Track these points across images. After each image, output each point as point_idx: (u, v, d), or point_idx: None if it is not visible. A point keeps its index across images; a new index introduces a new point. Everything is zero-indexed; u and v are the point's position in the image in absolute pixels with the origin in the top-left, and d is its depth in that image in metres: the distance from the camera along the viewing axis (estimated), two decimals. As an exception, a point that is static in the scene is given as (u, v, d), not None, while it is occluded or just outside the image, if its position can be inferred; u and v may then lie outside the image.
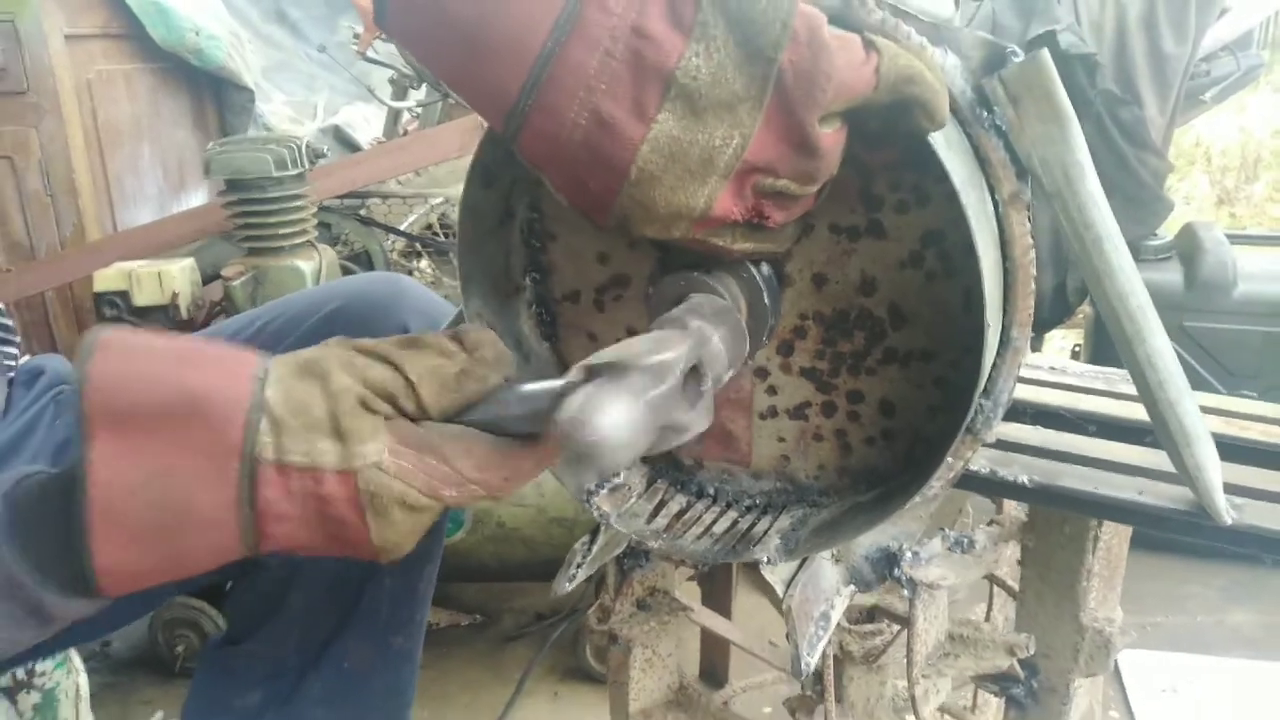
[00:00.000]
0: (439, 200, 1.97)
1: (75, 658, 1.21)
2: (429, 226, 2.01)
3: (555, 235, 0.81)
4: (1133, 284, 0.65)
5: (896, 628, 0.95)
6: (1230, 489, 0.71)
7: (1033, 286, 0.68)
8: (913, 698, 0.79)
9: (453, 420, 0.57)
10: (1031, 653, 0.83)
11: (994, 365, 0.67)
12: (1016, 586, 0.93)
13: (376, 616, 1.08)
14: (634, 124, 0.52)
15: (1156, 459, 0.77)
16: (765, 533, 0.76)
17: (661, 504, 0.82)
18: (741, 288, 0.68)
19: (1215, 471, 0.68)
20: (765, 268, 0.69)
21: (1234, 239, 1.94)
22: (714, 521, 0.79)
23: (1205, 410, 0.87)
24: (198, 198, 2.62)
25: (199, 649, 1.66)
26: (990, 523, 0.86)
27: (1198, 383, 1.87)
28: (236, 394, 0.53)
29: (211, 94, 2.72)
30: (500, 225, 0.80)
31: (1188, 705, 1.56)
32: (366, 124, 2.99)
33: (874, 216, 0.69)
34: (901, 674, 0.93)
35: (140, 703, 1.66)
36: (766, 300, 0.68)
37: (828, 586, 0.78)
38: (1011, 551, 0.91)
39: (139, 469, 0.51)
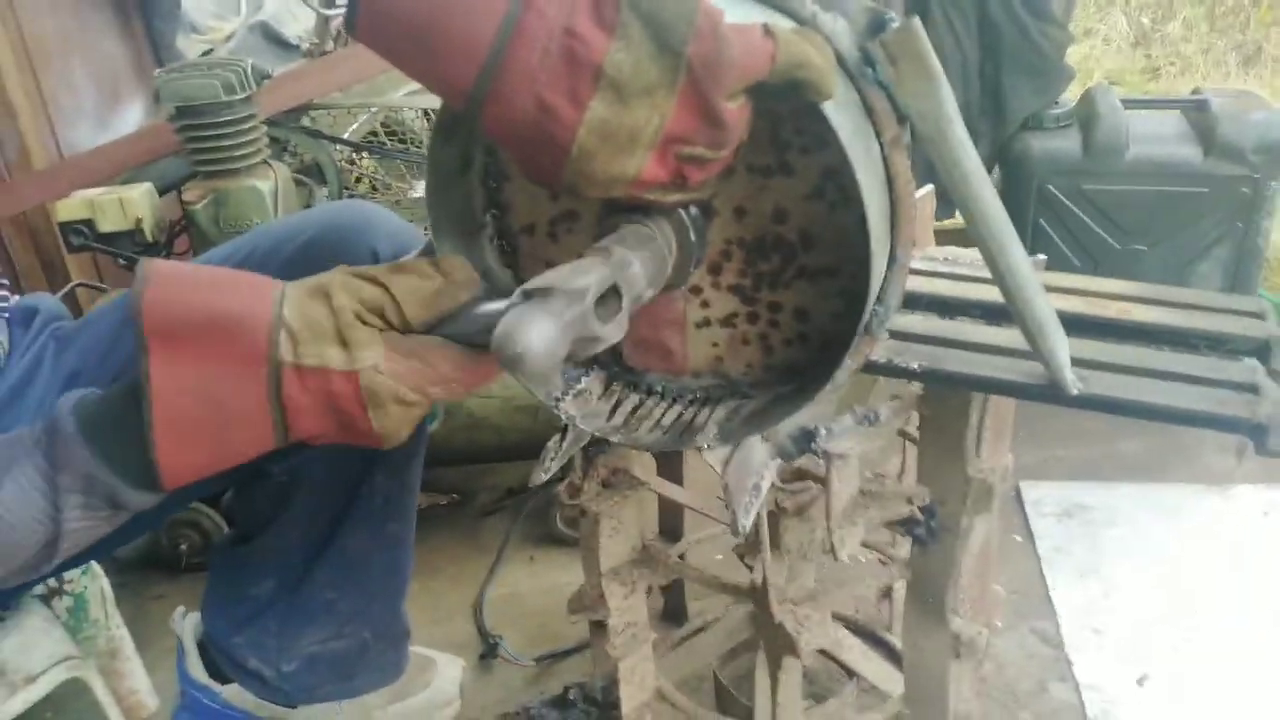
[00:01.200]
0: (379, 108, 2.03)
1: (96, 566, 1.35)
2: (373, 133, 2.07)
3: (509, 176, 0.93)
4: (994, 209, 0.80)
5: (820, 486, 1.13)
6: (1079, 363, 0.88)
7: (914, 213, 0.82)
8: (831, 544, 0.97)
9: (431, 332, 0.72)
10: (926, 502, 1.01)
11: (885, 278, 0.82)
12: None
13: (372, 507, 1.22)
14: (571, 110, 0.64)
15: (1011, 338, 0.93)
16: (705, 422, 0.92)
17: (618, 403, 0.97)
18: (672, 226, 0.82)
19: (1064, 352, 0.85)
20: (693, 208, 0.82)
21: (1129, 104, 2.08)
22: (663, 415, 0.94)
23: (1068, 291, 1.04)
24: (135, 111, 2.61)
25: (201, 547, 1.80)
26: (893, 398, 1.02)
27: (1094, 242, 2.05)
28: (261, 312, 0.67)
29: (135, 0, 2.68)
30: (461, 172, 0.91)
31: (1080, 525, 1.81)
32: (295, 19, 2.96)
33: (783, 158, 0.82)
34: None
35: (152, 598, 1.80)
36: (693, 236, 0.82)
37: (758, 462, 0.95)
38: (914, 417, 1.08)
39: (189, 375, 0.65)
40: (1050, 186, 2.00)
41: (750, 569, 1.28)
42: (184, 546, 1.78)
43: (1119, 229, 2.01)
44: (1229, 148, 1.92)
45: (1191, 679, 1.46)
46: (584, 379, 0.97)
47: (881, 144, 0.79)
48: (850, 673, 1.36)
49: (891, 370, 0.91)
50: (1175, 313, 0.99)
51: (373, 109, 2.06)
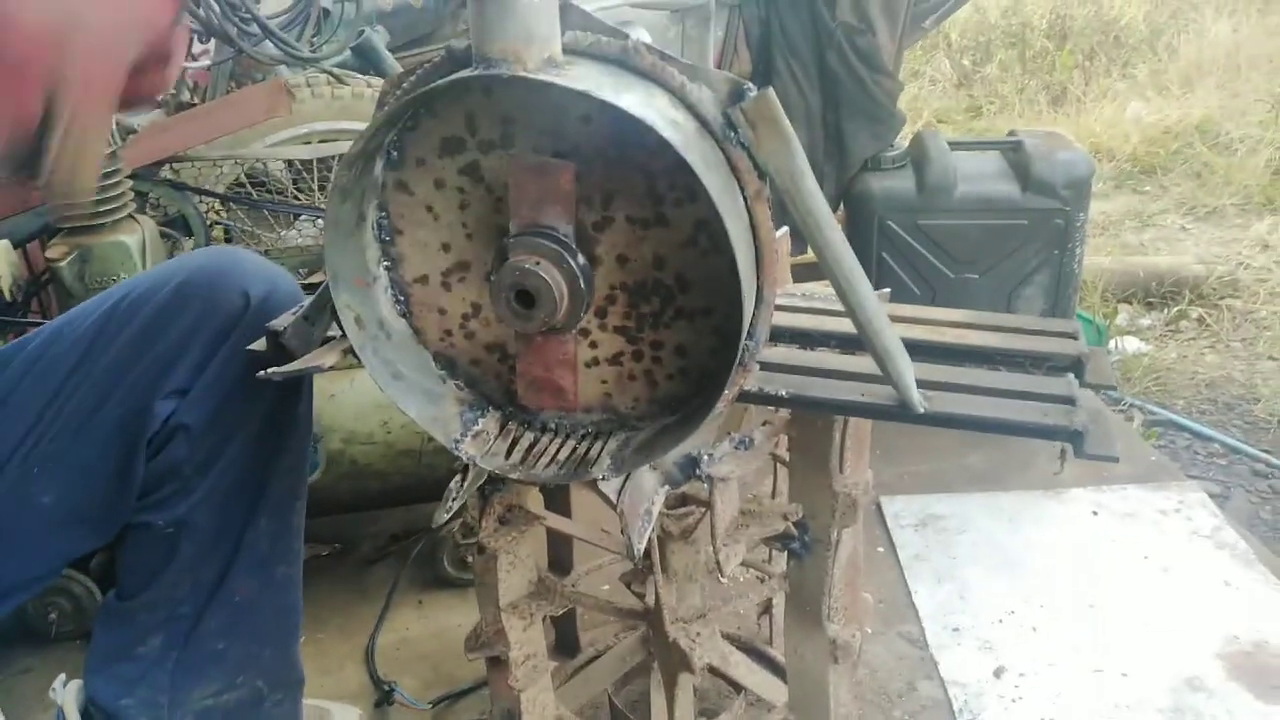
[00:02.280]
0: (242, 159, 2.03)
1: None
2: (239, 183, 2.06)
3: (401, 230, 0.99)
4: (843, 250, 0.90)
5: (703, 509, 1.21)
6: (924, 384, 0.99)
7: (775, 257, 0.92)
8: (718, 561, 1.05)
9: None
10: (800, 516, 1.11)
11: (753, 315, 0.91)
12: (790, 466, 1.21)
13: (258, 552, 1.22)
14: None
15: (866, 365, 1.04)
16: (599, 455, 0.99)
17: (515, 441, 1.02)
18: (563, 275, 0.89)
19: (910, 375, 0.96)
20: (580, 258, 0.90)
21: (954, 145, 2.28)
22: (558, 450, 1.01)
23: (911, 320, 1.16)
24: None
25: (72, 613, 1.74)
26: (765, 423, 1.12)
27: (931, 272, 2.24)
28: None
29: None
30: (356, 227, 0.96)
31: (935, 533, 1.96)
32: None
33: (659, 210, 0.91)
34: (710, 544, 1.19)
35: (19, 672, 1.71)
36: (582, 284, 0.90)
37: (648, 488, 1.02)
38: (783, 440, 1.18)
39: None
40: (890, 222, 2.18)
41: (639, 596, 1.35)
42: (53, 615, 1.72)
43: (952, 259, 2.20)
44: (1042, 184, 2.14)
45: (1040, 666, 1.61)
46: (480, 420, 1.03)
47: (745, 197, 0.89)
48: (737, 687, 1.44)
49: (762, 398, 1.00)
50: (1003, 336, 1.12)
51: (236, 160, 2.06)
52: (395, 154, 0.94)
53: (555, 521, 1.34)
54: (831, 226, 0.90)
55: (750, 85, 0.86)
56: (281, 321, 1.14)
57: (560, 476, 0.98)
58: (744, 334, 0.88)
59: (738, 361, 0.89)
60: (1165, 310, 3.41)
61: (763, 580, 1.46)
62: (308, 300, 1.11)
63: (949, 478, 2.11)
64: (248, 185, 2.07)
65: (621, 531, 0.97)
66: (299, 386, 1.21)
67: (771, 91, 0.84)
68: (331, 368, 1.06)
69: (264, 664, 1.27)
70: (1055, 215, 2.13)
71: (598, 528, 1.45)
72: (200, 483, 1.16)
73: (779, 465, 1.47)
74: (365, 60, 2.44)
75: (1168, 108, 5.01)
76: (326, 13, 2.42)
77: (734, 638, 1.53)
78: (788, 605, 1.21)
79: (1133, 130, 4.76)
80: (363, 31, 2.45)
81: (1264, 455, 2.49)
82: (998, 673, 1.60)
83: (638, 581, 1.36)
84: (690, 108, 0.87)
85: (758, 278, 0.90)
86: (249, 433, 1.17)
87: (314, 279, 2.13)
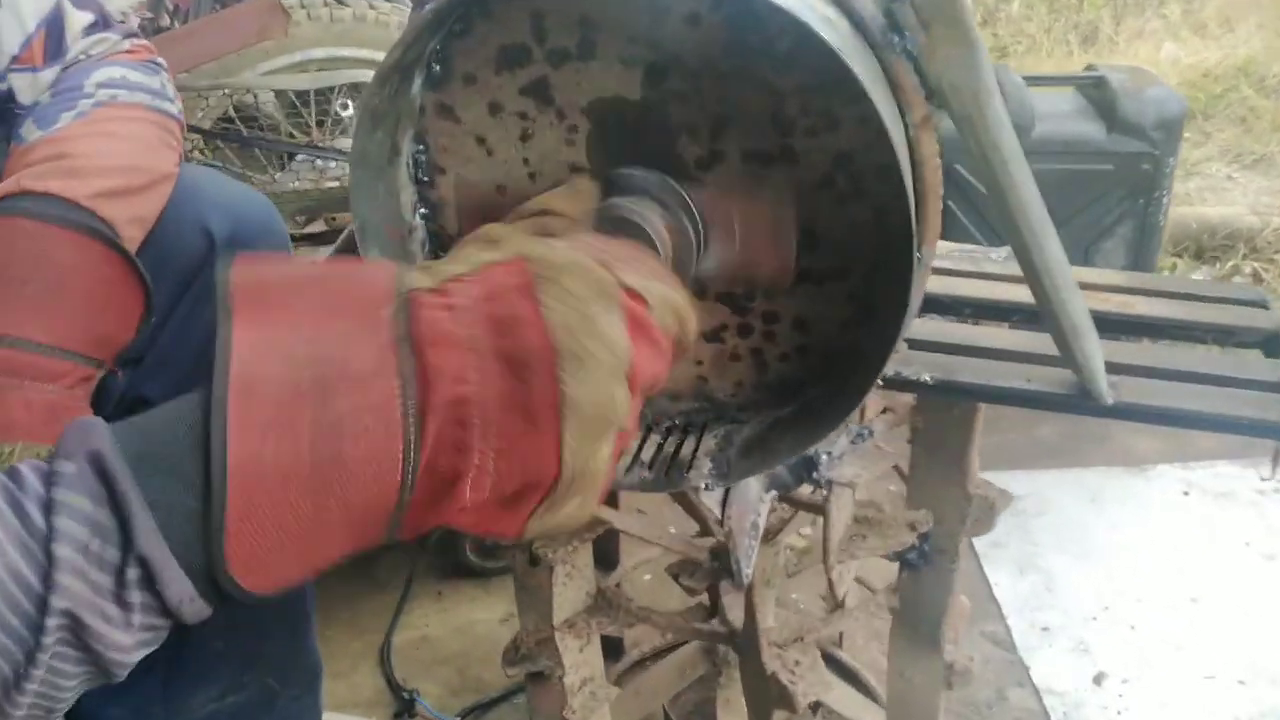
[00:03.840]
0: (231, 89, 1.79)
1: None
2: (227, 119, 1.83)
3: (444, 169, 0.77)
4: (1032, 198, 0.69)
5: (794, 508, 1.01)
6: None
7: (940, 205, 0.71)
8: (830, 582, 0.85)
9: None
10: (930, 527, 0.90)
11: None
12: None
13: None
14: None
15: (1031, 342, 0.84)
16: (694, 455, 0.78)
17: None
18: (668, 225, 0.68)
19: (1099, 359, 0.75)
20: (693, 206, 0.68)
21: (1029, 81, 2.05)
22: (640, 449, 0.80)
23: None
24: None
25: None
26: (884, 410, 0.91)
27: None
28: (378, 267, 0.51)
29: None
30: (389, 164, 0.75)
31: (1011, 515, 1.76)
32: (119, -6, 2.63)
33: (785, 141, 0.69)
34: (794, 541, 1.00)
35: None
36: (693, 236, 0.68)
37: (753, 497, 0.82)
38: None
39: (283, 338, 0.45)
40: (958, 166, 1.95)
41: (690, 592, 1.15)
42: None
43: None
44: (1130, 124, 1.92)
45: (1143, 671, 1.43)
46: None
47: (908, 124, 0.67)
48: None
49: (903, 384, 0.80)
50: (1177, 305, 0.92)
51: (224, 91, 1.82)
52: (438, 68, 0.72)
53: (608, 514, 1.13)
54: (1021, 166, 0.69)
55: (925, -29, 0.64)
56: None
57: (649, 484, 0.77)
58: (907, 315, 0.67)
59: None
60: (1217, 265, 3.21)
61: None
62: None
63: (1018, 452, 1.92)
64: (236, 120, 1.83)
65: (729, 552, 0.77)
66: None
67: (957, -21, 0.62)
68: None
69: (272, 658, 1.10)
70: (1143, 159, 1.91)
71: (644, 518, 1.25)
72: None
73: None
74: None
75: (1206, 49, 4.75)
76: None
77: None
78: (896, 623, 1.02)
79: (1170, 72, 4.50)
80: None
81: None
82: (1098, 679, 1.42)
83: (690, 576, 1.16)
84: (841, 2, 0.65)
85: (915, 234, 0.68)
86: None
87: (313, 228, 1.90)
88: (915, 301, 0.70)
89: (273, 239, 0.97)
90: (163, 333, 0.91)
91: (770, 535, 1.07)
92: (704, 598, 1.18)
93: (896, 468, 0.96)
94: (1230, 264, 3.23)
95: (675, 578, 1.22)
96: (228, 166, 1.86)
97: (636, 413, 0.51)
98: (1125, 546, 1.67)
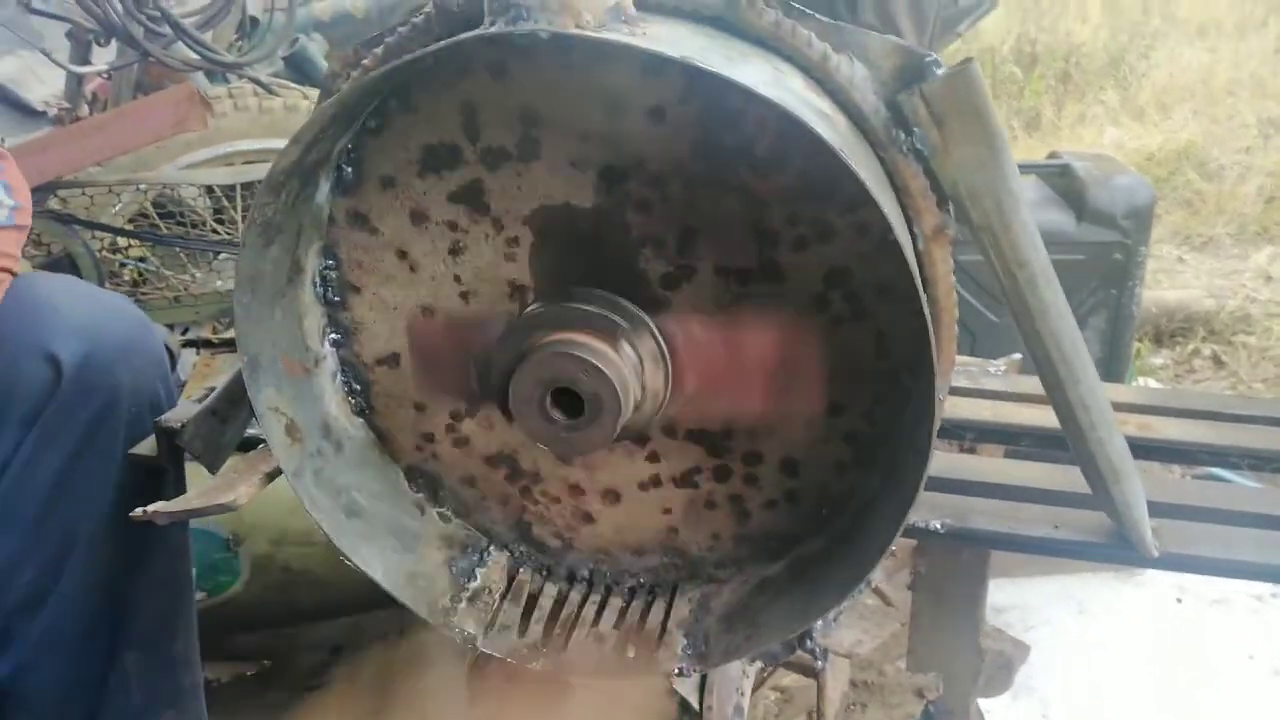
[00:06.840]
0: (147, 185, 1.65)
1: None
2: (143, 214, 1.69)
3: (359, 287, 0.64)
4: (1066, 323, 0.58)
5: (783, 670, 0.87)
6: (1138, 507, 0.67)
7: (955, 331, 0.60)
8: (827, 765, 0.72)
9: None
10: (940, 693, 0.77)
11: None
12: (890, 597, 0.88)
13: (129, 702, 0.93)
14: None
15: (1051, 476, 0.73)
16: (664, 625, 0.65)
17: (531, 601, 0.68)
18: (632, 365, 0.55)
19: (1141, 506, 0.64)
20: (659, 335, 0.56)
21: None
22: (598, 615, 0.67)
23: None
24: None
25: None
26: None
27: (970, 315, 1.93)
28: None
29: None
30: (289, 285, 0.62)
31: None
32: (40, 82, 2.50)
33: (768, 255, 0.58)
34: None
35: None
36: (664, 377, 0.56)
37: (735, 674, 0.69)
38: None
39: None
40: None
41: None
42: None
43: (996, 301, 1.90)
44: (1101, 214, 1.85)
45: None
46: (478, 569, 0.68)
47: (916, 235, 0.56)
48: None
49: (911, 533, 0.67)
50: (1202, 426, 0.81)
51: (140, 186, 1.68)
52: (349, 170, 0.60)
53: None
54: (1051, 287, 0.57)
55: (936, 58, 0.54)
56: (178, 415, 0.79)
57: (610, 664, 0.63)
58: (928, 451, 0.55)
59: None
60: (1177, 348, 3.18)
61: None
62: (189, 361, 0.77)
63: (996, 556, 1.79)
64: (154, 217, 1.69)
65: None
66: (166, 476, 0.84)
67: (976, 67, 0.52)
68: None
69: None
70: (1114, 249, 1.85)
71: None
72: (26, 627, 0.85)
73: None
74: (300, 72, 2.09)
75: (1147, 134, 4.84)
76: (255, 22, 2.07)
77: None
78: (898, 795, 0.87)
79: (1115, 156, 4.58)
80: (296, 39, 2.09)
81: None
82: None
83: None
84: (836, 93, 0.54)
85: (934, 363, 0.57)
86: (90, 549, 0.85)
87: (234, 333, 1.75)
88: (928, 443, 0.58)
89: (138, 359, 0.83)
90: (4, 475, 0.76)
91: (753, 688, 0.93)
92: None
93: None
94: (1190, 347, 3.21)
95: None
96: (144, 266, 1.71)
97: None
98: (1119, 661, 1.55)
